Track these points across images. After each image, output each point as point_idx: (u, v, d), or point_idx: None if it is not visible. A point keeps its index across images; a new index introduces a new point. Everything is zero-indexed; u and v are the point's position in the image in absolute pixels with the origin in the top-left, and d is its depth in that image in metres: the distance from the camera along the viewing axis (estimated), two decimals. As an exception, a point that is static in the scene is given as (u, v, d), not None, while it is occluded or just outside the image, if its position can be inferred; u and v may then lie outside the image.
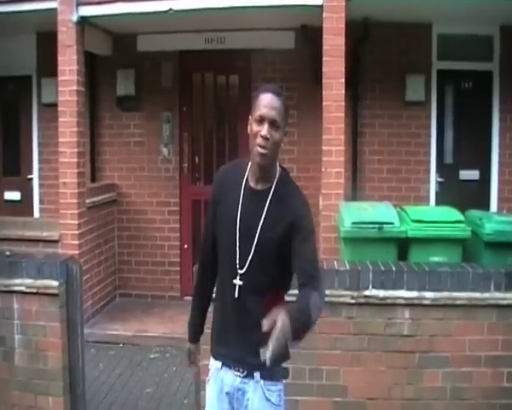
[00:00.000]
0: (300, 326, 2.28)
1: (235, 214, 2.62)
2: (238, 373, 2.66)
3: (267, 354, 2.14)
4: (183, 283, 7.84)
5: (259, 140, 2.51)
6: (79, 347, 4.48)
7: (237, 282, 2.61)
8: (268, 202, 2.60)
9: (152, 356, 6.34)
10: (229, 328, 2.69)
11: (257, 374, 2.64)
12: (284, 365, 2.73)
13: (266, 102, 2.53)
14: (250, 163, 2.66)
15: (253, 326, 2.47)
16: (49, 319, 4.34)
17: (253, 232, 2.59)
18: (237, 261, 2.62)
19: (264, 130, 2.50)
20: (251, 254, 2.59)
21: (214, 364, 2.77)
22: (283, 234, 2.55)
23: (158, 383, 5.70)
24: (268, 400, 2.65)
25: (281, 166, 2.70)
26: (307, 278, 2.48)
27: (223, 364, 2.73)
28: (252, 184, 2.65)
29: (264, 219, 2.59)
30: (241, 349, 2.63)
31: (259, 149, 2.52)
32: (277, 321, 2.17)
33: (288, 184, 2.67)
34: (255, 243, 2.59)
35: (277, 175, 2.65)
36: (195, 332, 3.03)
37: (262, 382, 2.64)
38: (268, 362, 2.15)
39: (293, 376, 4.04)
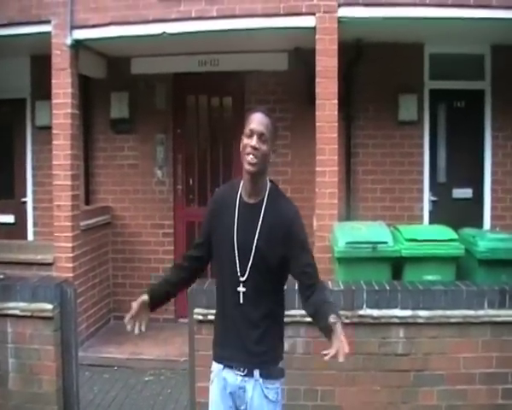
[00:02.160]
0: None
1: (232, 227, 2.87)
2: (239, 373, 2.88)
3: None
4: (178, 305, 7.78)
5: (249, 150, 2.80)
6: (74, 370, 4.46)
7: (241, 289, 2.85)
8: (262, 212, 2.86)
9: (146, 379, 6.30)
10: (231, 333, 2.90)
11: (256, 373, 2.86)
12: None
13: (255, 119, 2.84)
14: (242, 180, 2.93)
15: (254, 328, 2.85)
16: (44, 343, 4.34)
17: (251, 241, 2.84)
18: (238, 270, 2.85)
19: (253, 141, 2.79)
20: (250, 261, 2.83)
21: (216, 366, 2.97)
22: (279, 240, 2.82)
23: (153, 405, 5.66)
24: (266, 397, 2.87)
25: (270, 181, 2.96)
26: (313, 280, 2.80)
27: (224, 366, 2.92)
28: (245, 198, 2.91)
29: (260, 228, 2.84)
30: (242, 350, 2.86)
31: (249, 158, 2.80)
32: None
33: (278, 195, 2.94)
34: (253, 251, 2.83)
35: (268, 188, 2.91)
36: (157, 291, 3.11)
37: (261, 380, 2.86)
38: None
39: (288, 397, 4.07)
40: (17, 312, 4.37)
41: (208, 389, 3.04)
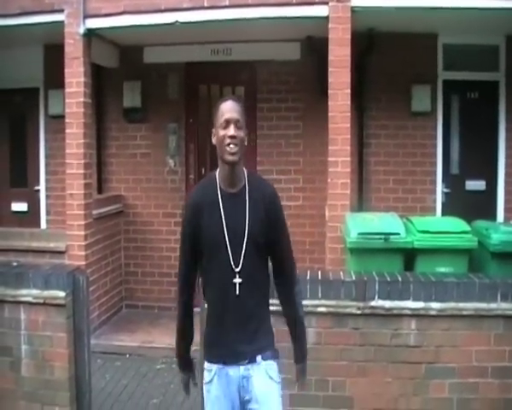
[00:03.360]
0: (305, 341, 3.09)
1: (219, 221, 2.83)
2: (241, 362, 2.87)
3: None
4: (189, 293, 7.81)
5: (228, 140, 2.78)
6: (86, 357, 4.48)
7: (237, 280, 2.82)
8: (247, 199, 2.86)
9: (158, 367, 6.34)
10: (229, 327, 2.86)
11: (258, 357, 2.89)
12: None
13: (228, 108, 2.83)
14: (218, 172, 2.92)
15: (253, 317, 2.87)
16: (56, 330, 4.35)
17: (242, 230, 2.82)
18: (231, 262, 2.82)
19: (232, 130, 2.78)
20: (243, 250, 2.82)
21: (215, 366, 2.91)
22: (265, 221, 2.86)
23: (164, 393, 5.70)
24: (270, 378, 2.91)
25: (246, 169, 2.96)
26: (289, 273, 2.99)
27: (224, 362, 2.89)
28: (226, 189, 2.88)
29: (249, 215, 2.83)
30: (244, 342, 2.85)
31: (229, 149, 2.78)
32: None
33: (257, 179, 3.02)
34: (245, 239, 2.82)
35: (246, 175, 2.92)
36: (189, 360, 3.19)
37: (263, 363, 2.89)
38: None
39: (299, 387, 4.07)
40: (30, 299, 4.39)
41: None
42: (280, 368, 2.98)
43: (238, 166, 2.85)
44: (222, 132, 2.79)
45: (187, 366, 3.16)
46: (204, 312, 4.18)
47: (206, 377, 2.95)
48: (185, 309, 3.03)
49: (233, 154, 2.78)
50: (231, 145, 2.77)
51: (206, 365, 2.96)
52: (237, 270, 2.82)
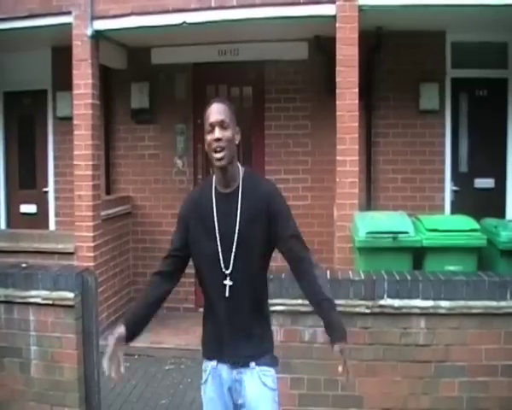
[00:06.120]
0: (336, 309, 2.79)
1: (211, 220, 2.80)
2: (234, 365, 2.82)
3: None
4: (198, 294, 7.81)
5: (214, 144, 2.73)
6: (95, 358, 4.49)
7: (227, 282, 2.77)
8: (239, 198, 2.78)
9: (167, 367, 6.35)
10: (221, 328, 2.82)
11: (252, 363, 2.82)
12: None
13: (212, 111, 2.78)
14: (215, 175, 2.86)
15: (245, 321, 2.80)
16: (65, 331, 4.37)
17: (232, 230, 2.76)
18: (221, 263, 2.77)
19: (216, 133, 2.73)
20: (233, 252, 2.76)
21: (209, 364, 2.90)
22: (260, 220, 2.76)
23: (173, 394, 5.70)
24: (264, 384, 2.82)
25: (243, 166, 2.89)
26: (301, 254, 2.77)
27: (218, 361, 2.86)
28: (221, 190, 2.83)
29: (240, 214, 2.76)
30: (235, 344, 2.80)
31: (216, 154, 2.73)
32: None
33: (253, 178, 2.89)
34: (235, 240, 2.75)
35: (241, 174, 2.85)
36: (133, 319, 2.87)
37: (257, 368, 2.82)
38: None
39: (308, 386, 4.09)
40: (39, 300, 4.40)
41: None
42: (279, 369, 2.94)
43: (230, 168, 2.78)
44: (209, 138, 2.75)
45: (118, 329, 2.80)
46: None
47: (203, 377, 2.94)
48: (150, 290, 2.96)
49: (220, 159, 2.72)
50: (217, 149, 2.72)
51: (203, 364, 2.95)
52: (227, 272, 2.76)
